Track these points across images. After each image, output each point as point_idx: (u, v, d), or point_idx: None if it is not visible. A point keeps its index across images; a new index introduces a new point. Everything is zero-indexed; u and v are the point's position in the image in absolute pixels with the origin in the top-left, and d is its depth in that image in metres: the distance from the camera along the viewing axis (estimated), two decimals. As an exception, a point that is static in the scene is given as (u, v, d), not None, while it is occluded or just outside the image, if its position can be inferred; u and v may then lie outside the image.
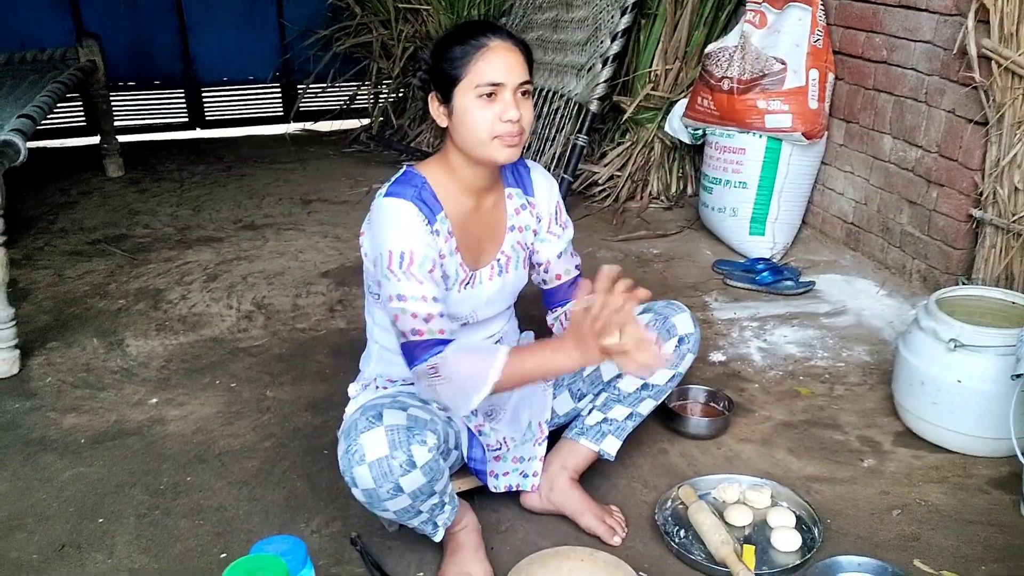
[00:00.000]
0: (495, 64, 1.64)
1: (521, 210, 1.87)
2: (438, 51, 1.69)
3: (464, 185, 1.76)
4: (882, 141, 3.23)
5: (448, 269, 1.73)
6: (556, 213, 1.92)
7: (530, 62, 1.71)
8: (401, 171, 1.77)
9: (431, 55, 1.72)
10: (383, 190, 1.73)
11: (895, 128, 3.15)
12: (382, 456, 1.57)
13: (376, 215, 1.70)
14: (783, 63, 3.28)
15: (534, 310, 2.48)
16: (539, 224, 1.90)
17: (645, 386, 1.96)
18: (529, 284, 1.97)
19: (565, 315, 1.97)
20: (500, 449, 1.92)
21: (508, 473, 1.93)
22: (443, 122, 1.71)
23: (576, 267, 1.96)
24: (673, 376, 1.99)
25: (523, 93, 1.67)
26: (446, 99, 1.68)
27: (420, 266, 1.64)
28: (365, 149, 5.17)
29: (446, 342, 1.63)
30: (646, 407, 2.00)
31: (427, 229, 1.67)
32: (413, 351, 1.64)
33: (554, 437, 2.03)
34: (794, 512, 1.96)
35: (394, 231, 1.65)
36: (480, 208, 1.80)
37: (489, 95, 1.64)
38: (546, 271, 1.94)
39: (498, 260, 1.84)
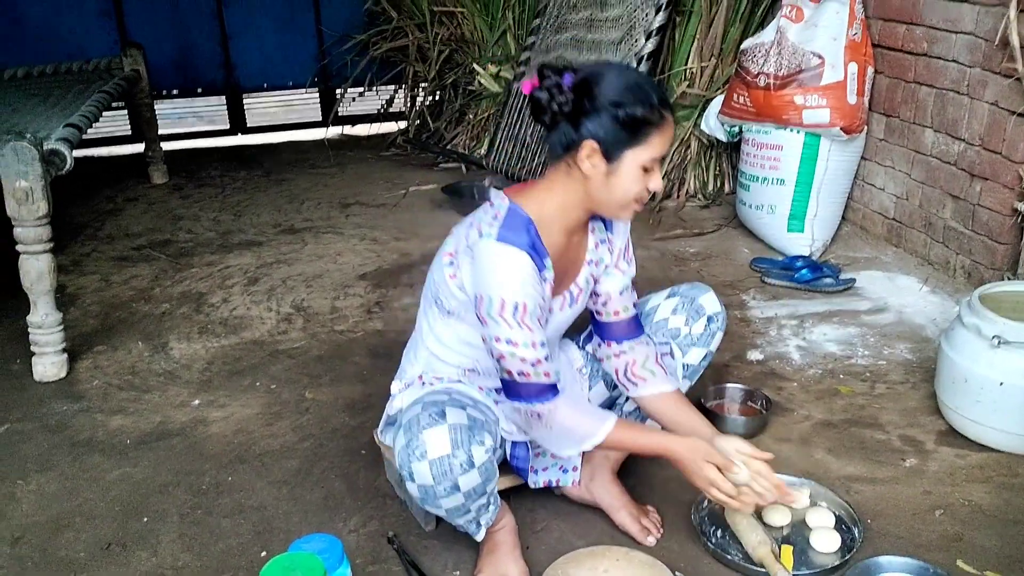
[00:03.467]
0: (666, 141, 1.66)
1: (600, 244, 1.85)
2: (616, 98, 1.60)
3: (568, 225, 1.73)
4: (923, 135, 3.17)
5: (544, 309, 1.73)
6: (625, 249, 1.90)
7: None
8: (504, 208, 1.69)
9: (603, 94, 1.60)
10: (493, 233, 1.65)
11: (936, 121, 3.10)
12: (444, 454, 1.59)
13: (486, 258, 1.65)
14: (820, 57, 3.24)
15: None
16: (611, 257, 1.88)
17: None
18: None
19: (627, 367, 1.90)
20: (540, 446, 1.92)
21: (547, 468, 1.94)
22: (591, 171, 1.64)
23: (634, 305, 1.92)
24: (705, 355, 2.03)
25: None
26: (609, 155, 1.63)
27: (531, 315, 1.64)
28: (402, 152, 5.20)
29: (552, 387, 1.67)
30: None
31: (539, 279, 1.67)
32: (519, 391, 1.68)
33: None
34: (834, 512, 1.94)
35: (509, 281, 1.62)
36: (569, 244, 1.78)
37: (649, 167, 1.66)
38: (604, 304, 1.89)
39: (571, 291, 1.83)
